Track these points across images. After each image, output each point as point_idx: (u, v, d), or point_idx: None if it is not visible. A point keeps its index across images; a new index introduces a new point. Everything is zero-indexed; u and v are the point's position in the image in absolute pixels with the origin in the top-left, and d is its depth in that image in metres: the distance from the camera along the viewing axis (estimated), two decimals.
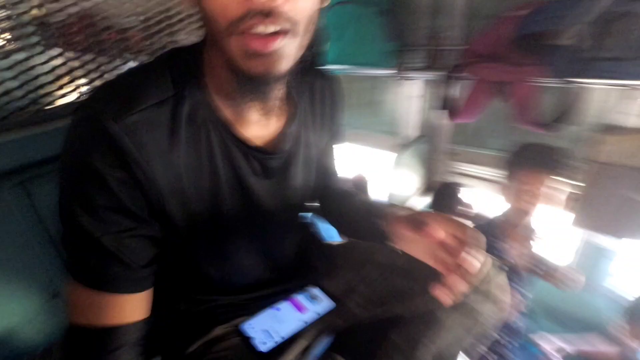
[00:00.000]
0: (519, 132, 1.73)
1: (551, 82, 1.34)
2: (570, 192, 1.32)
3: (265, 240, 0.70)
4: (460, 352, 0.74)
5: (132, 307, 0.51)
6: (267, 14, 0.41)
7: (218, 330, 0.71)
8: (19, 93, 0.66)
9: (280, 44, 0.44)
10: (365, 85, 2.18)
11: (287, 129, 0.62)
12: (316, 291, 0.82)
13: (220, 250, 0.65)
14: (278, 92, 0.57)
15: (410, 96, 2.00)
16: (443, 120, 1.94)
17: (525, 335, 1.55)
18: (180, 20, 1.06)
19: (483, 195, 1.97)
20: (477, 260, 0.52)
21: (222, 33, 0.44)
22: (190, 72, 0.52)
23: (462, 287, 0.52)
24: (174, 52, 0.55)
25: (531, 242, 1.40)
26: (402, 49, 1.82)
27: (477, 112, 1.53)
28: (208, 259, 0.66)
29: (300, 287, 0.81)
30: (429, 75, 1.75)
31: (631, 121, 1.47)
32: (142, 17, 0.96)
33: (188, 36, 1.08)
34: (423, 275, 0.72)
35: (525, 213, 1.27)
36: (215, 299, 0.72)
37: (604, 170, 1.55)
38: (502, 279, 0.72)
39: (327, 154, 0.78)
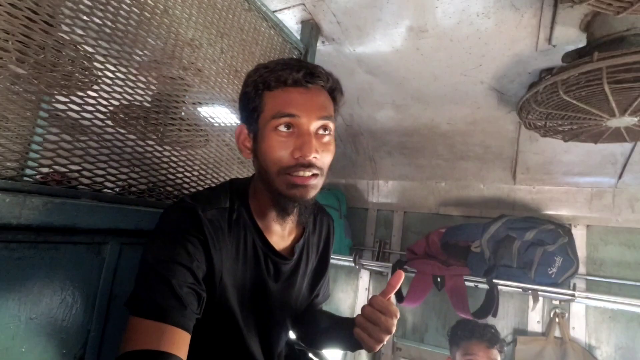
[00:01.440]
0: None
1: (471, 278, 1.81)
2: None
3: (266, 331, 0.82)
4: None
5: (179, 342, 0.59)
6: (308, 165, 0.66)
7: None
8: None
9: (314, 181, 0.69)
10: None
11: (297, 243, 0.84)
12: None
13: (234, 327, 0.76)
14: (293, 216, 0.78)
15: (360, 287, 2.34)
16: None
17: None
18: None
19: None
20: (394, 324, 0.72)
21: (274, 174, 0.68)
22: (240, 195, 0.80)
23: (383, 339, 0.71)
24: (234, 180, 0.86)
25: None
26: (357, 245, 2.31)
27: (419, 298, 1.88)
28: (224, 331, 0.76)
29: None
30: (378, 266, 2.17)
31: (534, 326, 1.92)
32: None
33: None
34: None
35: None
36: None
37: None
38: None
39: (317, 274, 0.97)
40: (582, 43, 1.18)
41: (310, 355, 1.05)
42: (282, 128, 0.67)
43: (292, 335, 0.98)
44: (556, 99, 1.10)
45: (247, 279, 0.76)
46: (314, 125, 0.67)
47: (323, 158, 0.69)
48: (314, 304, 1.01)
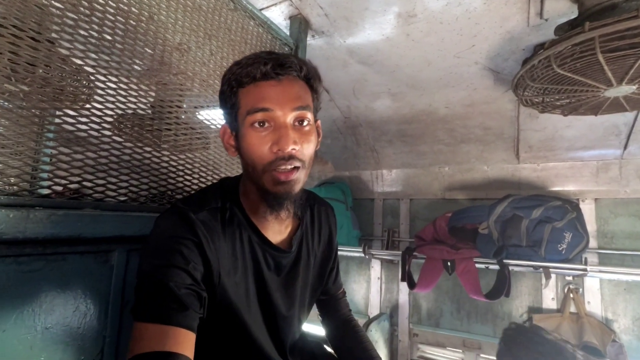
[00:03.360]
0: (466, 313, 2.09)
1: (482, 260, 1.81)
2: None
3: (275, 326, 0.82)
4: None
5: (185, 342, 0.60)
6: (288, 158, 0.66)
7: None
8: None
9: (296, 175, 0.68)
10: None
11: (294, 235, 0.83)
12: None
13: (240, 325, 0.76)
14: (287, 208, 0.76)
15: (372, 277, 2.35)
16: (400, 298, 2.25)
17: None
18: None
19: None
20: None
21: (259, 172, 0.68)
22: (231, 193, 0.80)
23: None
24: (224, 180, 0.86)
25: None
26: (366, 236, 2.32)
27: (431, 283, 1.88)
28: (230, 330, 0.77)
29: None
30: (388, 255, 2.18)
31: (549, 304, 1.92)
32: None
33: None
34: None
35: None
36: None
37: None
38: None
39: (324, 264, 0.94)
40: (574, 14, 1.16)
41: (326, 347, 1.06)
42: (258, 124, 0.67)
43: (305, 327, 0.99)
44: (551, 73, 1.09)
45: (249, 275, 0.76)
46: (290, 117, 0.67)
47: (304, 149, 0.69)
48: (334, 297, 1.03)
